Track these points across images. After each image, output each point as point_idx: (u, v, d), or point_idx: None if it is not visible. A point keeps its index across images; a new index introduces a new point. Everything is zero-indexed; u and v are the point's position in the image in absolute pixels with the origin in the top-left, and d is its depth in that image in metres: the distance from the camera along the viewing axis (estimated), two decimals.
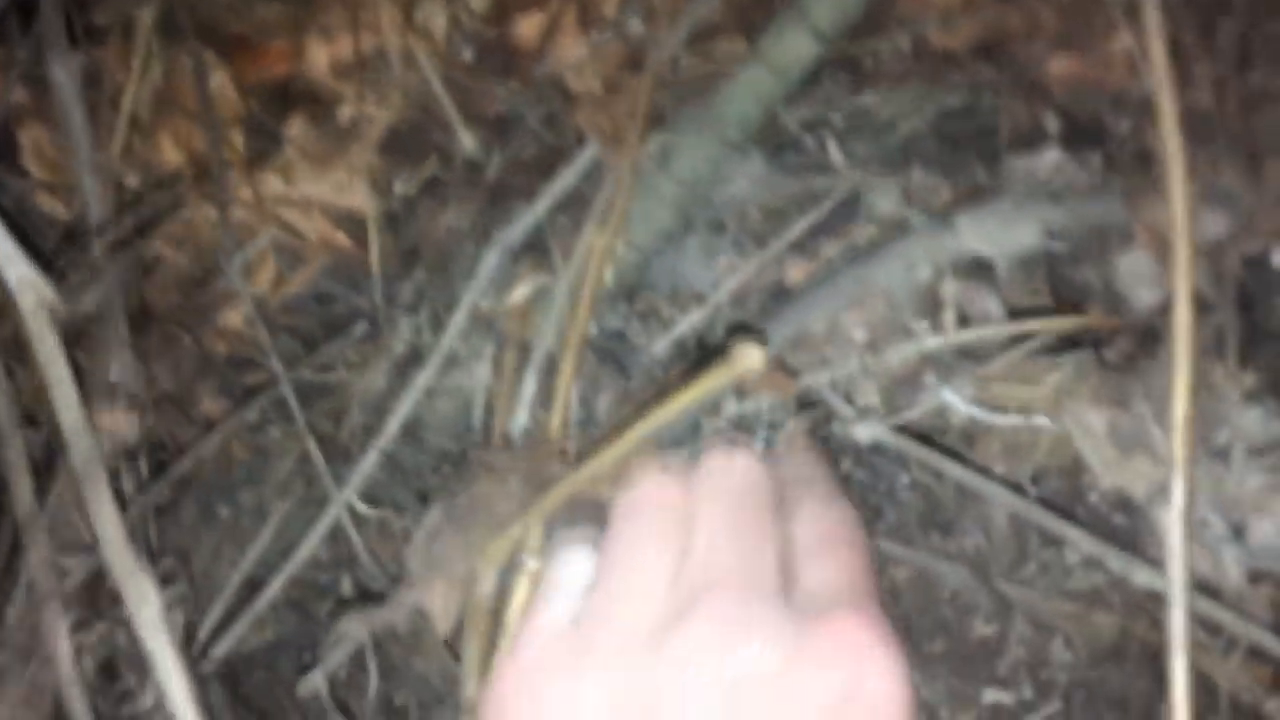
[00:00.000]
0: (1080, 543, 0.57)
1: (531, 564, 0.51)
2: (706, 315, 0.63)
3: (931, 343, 0.62)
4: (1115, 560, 0.56)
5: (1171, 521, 0.41)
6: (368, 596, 0.65)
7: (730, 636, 0.40)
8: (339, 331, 0.76)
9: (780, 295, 0.63)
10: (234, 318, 0.80)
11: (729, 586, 0.42)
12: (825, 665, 0.39)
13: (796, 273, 0.62)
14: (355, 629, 0.59)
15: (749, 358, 0.44)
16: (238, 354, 0.79)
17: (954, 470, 0.59)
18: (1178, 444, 0.41)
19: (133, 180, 0.86)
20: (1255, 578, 0.56)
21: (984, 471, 0.60)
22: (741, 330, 0.63)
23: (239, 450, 0.74)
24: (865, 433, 0.62)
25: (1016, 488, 0.61)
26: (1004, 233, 0.61)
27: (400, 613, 0.56)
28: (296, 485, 0.71)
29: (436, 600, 0.53)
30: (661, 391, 0.55)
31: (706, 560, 0.43)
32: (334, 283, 0.79)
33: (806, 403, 0.62)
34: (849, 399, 0.63)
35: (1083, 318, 0.62)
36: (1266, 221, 0.60)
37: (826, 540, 0.45)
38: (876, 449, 0.67)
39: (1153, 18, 0.43)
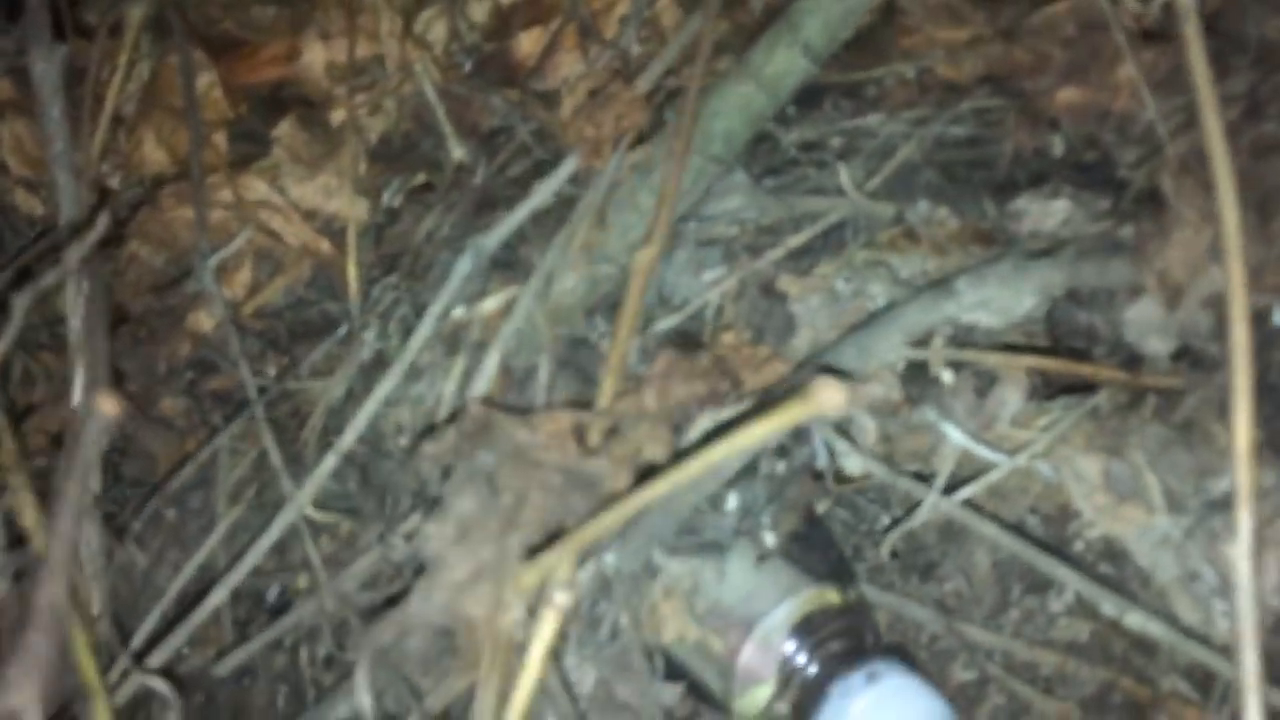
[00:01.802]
0: (1073, 584, 0.54)
1: (561, 598, 0.45)
2: (683, 318, 0.61)
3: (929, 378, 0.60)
4: (1109, 604, 0.53)
5: (1238, 556, 0.37)
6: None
7: None
8: (310, 337, 0.73)
9: (775, 307, 0.61)
10: (204, 320, 0.77)
11: None
12: None
13: (792, 288, 0.60)
14: (380, 636, 0.52)
15: (830, 396, 0.38)
16: (204, 357, 0.76)
17: (946, 505, 0.56)
18: (1241, 474, 0.37)
19: (114, 180, 0.84)
20: None
21: (975, 509, 0.58)
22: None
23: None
24: (855, 464, 0.59)
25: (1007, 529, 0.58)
26: (1005, 296, 0.60)
27: (430, 616, 0.50)
28: (248, 492, 0.68)
29: (478, 606, 0.48)
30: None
31: None
32: (311, 290, 0.77)
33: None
34: (842, 432, 0.60)
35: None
36: (1273, 276, 0.59)
37: None
38: (859, 490, 0.65)
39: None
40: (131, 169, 0.83)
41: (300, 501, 0.62)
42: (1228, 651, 0.53)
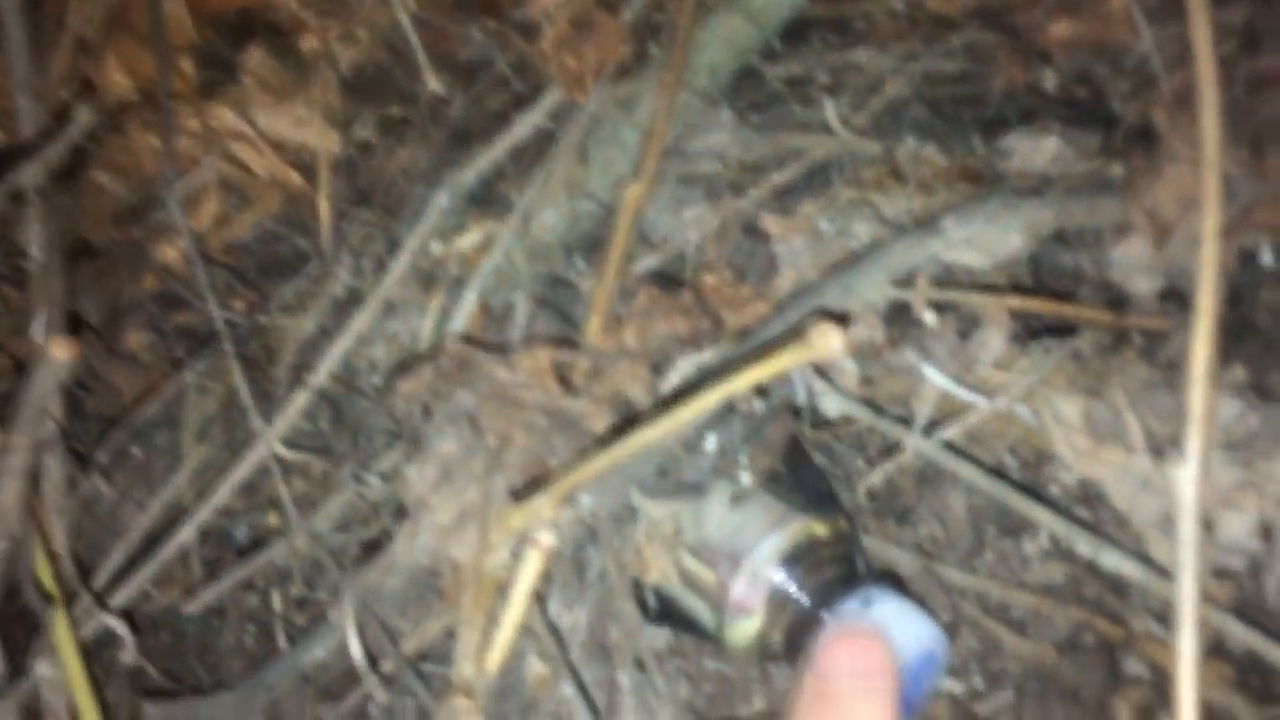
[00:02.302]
0: (1049, 524, 0.54)
1: (545, 538, 0.45)
2: (666, 257, 0.59)
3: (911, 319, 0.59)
4: (1084, 544, 0.53)
5: (1184, 482, 0.36)
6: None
7: None
8: (280, 272, 0.71)
9: (757, 246, 0.59)
10: (170, 253, 0.75)
11: None
12: None
13: (775, 228, 0.58)
14: (365, 581, 0.51)
15: (828, 341, 0.38)
16: (169, 290, 0.74)
17: (925, 446, 0.56)
18: (1196, 396, 0.36)
19: (76, 104, 0.81)
20: (1219, 574, 0.54)
21: (954, 451, 0.57)
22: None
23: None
24: (833, 405, 0.58)
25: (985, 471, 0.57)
26: (990, 235, 0.59)
27: (415, 559, 0.49)
28: (216, 431, 0.67)
29: (463, 549, 0.47)
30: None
31: None
32: (281, 224, 0.75)
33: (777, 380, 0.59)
34: (821, 372, 0.59)
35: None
36: (1263, 215, 0.58)
37: None
38: (836, 436, 0.64)
39: None
40: (95, 95, 0.80)
41: (270, 438, 0.60)
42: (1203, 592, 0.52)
